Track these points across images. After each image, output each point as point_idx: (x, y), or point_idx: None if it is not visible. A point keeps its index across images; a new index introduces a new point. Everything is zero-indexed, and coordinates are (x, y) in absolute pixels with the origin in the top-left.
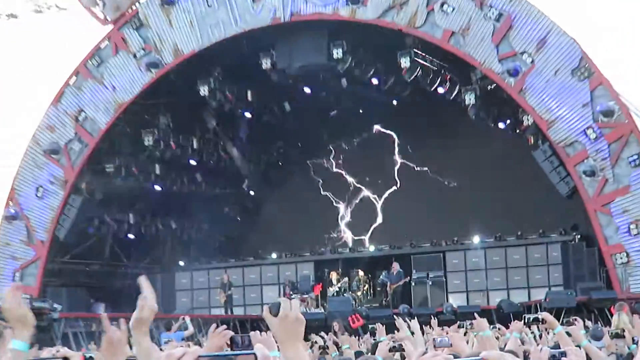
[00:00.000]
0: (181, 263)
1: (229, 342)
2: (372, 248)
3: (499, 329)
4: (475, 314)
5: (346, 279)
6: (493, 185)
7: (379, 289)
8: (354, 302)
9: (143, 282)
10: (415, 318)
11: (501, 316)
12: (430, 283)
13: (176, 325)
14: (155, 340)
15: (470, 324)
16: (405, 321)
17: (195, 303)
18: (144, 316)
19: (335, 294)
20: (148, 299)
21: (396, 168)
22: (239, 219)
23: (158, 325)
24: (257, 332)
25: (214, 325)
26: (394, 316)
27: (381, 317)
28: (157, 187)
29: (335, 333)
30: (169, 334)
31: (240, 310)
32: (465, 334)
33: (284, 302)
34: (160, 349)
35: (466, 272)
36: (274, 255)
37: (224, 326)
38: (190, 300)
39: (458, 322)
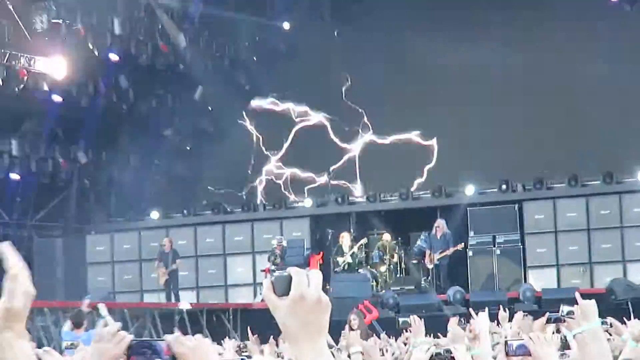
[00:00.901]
0: (96, 220)
1: (126, 353)
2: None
3: (610, 325)
4: (577, 300)
5: (363, 243)
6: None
7: (414, 261)
8: (374, 283)
9: (7, 251)
10: (472, 310)
11: (613, 305)
12: (498, 252)
13: (88, 320)
14: (54, 343)
15: (562, 317)
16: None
17: (119, 284)
18: (16, 307)
19: (344, 268)
20: (20, 279)
21: None
22: (189, 148)
23: (59, 319)
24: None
25: (111, 325)
26: (439, 305)
27: (418, 306)
28: (57, 98)
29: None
30: (77, 333)
31: (191, 295)
32: (555, 333)
33: (297, 275)
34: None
35: (556, 234)
36: (245, 207)
37: (118, 325)
38: (111, 279)
39: (546, 314)
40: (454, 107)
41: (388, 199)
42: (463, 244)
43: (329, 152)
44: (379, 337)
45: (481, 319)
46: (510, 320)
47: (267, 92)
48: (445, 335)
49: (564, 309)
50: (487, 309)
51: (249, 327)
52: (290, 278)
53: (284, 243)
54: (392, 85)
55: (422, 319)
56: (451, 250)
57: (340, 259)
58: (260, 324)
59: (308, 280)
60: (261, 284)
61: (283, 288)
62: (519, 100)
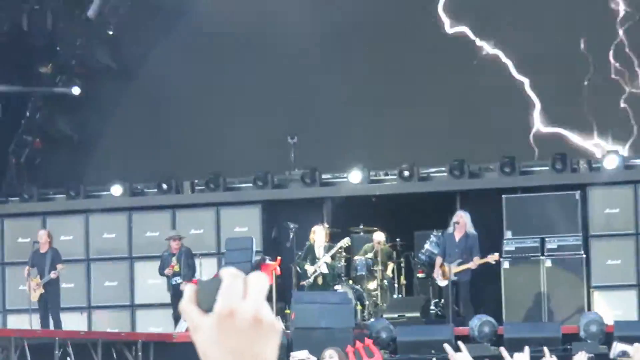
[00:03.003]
0: None
1: None
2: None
3: None
4: None
5: (344, 245)
6: None
7: (419, 275)
8: (359, 307)
9: None
10: (505, 350)
11: None
12: (548, 263)
13: None
14: None
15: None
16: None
17: None
18: None
19: (315, 282)
20: None
21: None
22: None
23: None
24: None
25: None
26: (456, 343)
27: (424, 344)
28: None
29: None
30: None
31: (79, 319)
32: None
33: (229, 279)
34: None
35: (638, 239)
36: (163, 187)
37: None
38: None
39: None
40: None
41: (382, 179)
42: (497, 254)
43: None
44: None
45: None
46: None
47: None
48: None
49: (617, 348)
50: (527, 349)
51: None
52: (217, 283)
53: (177, 237)
54: None
55: None
56: (477, 262)
57: (309, 268)
58: None
59: (244, 289)
60: None
61: (211, 299)
62: None
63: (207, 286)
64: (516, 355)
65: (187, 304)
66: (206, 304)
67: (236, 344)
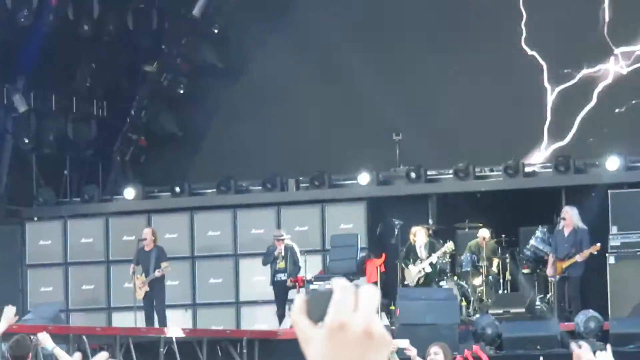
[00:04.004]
0: (40, 200)
1: None
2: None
3: None
4: None
5: (449, 250)
6: None
7: (525, 271)
8: (463, 303)
9: None
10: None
11: None
12: None
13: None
14: None
15: None
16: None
17: (75, 297)
18: None
19: (419, 281)
20: None
21: None
22: (181, 91)
23: None
24: None
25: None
26: (564, 338)
27: (531, 340)
28: None
29: None
30: None
31: (184, 317)
32: None
33: (341, 292)
34: None
35: None
36: (267, 185)
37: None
38: (63, 290)
39: None
40: None
41: (487, 175)
42: (599, 244)
43: None
44: None
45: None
46: None
47: None
48: None
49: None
50: (609, 347)
51: None
52: (328, 293)
53: (287, 238)
54: None
55: None
56: (585, 254)
57: (413, 268)
58: None
59: (355, 301)
60: (291, 301)
61: (321, 310)
62: None
63: (318, 297)
64: (599, 354)
65: (297, 314)
66: (316, 315)
67: (346, 357)
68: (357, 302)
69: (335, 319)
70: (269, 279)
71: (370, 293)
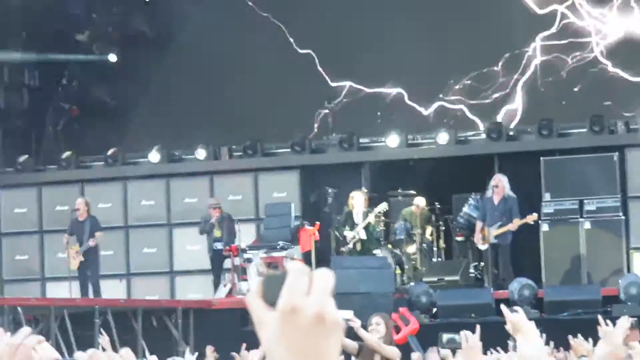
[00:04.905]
0: None
1: None
2: (444, 137)
3: None
4: None
5: (382, 210)
6: None
7: (459, 238)
8: (398, 271)
9: None
10: (547, 314)
11: None
12: (587, 225)
13: None
14: None
15: None
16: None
17: (8, 268)
18: None
19: (354, 248)
20: None
21: None
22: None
23: None
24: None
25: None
26: (496, 306)
27: (464, 308)
28: None
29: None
30: None
31: (119, 287)
32: None
33: (294, 274)
34: None
35: None
36: (196, 154)
37: (27, 331)
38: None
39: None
40: None
41: (420, 143)
42: (536, 214)
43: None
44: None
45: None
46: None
47: None
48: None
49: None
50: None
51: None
52: (281, 277)
53: (217, 206)
54: None
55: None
56: (517, 223)
57: (348, 234)
58: (223, 330)
59: (308, 285)
60: (227, 271)
61: (276, 294)
62: None
63: (273, 280)
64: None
65: (252, 297)
66: (271, 298)
67: (299, 341)
68: (311, 285)
69: (287, 303)
70: (205, 248)
71: (324, 277)
